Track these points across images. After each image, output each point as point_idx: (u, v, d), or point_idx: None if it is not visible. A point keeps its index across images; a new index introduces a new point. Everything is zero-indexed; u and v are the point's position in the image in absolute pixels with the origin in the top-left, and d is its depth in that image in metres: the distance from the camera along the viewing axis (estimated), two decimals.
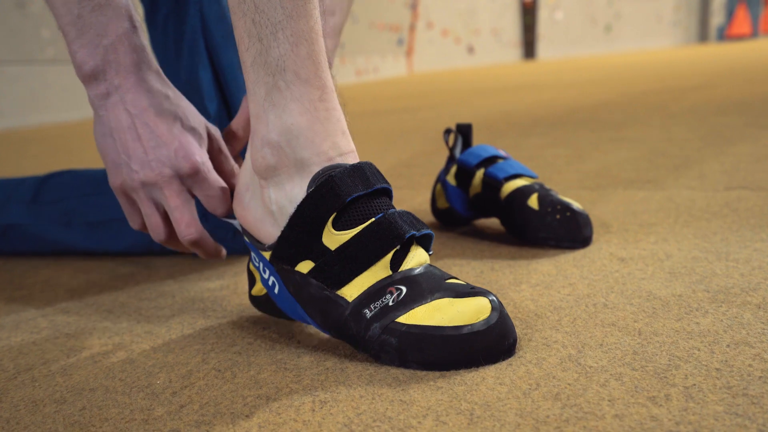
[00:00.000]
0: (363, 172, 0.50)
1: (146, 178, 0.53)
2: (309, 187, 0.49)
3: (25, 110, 3.75)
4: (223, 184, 0.57)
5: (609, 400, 0.40)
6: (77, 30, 0.51)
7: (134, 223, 0.58)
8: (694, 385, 0.41)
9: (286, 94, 0.48)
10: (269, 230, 0.52)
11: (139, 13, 0.57)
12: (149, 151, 0.53)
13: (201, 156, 0.55)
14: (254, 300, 0.57)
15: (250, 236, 0.54)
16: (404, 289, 0.47)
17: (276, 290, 0.52)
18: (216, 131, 0.61)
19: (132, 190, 0.55)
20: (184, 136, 0.55)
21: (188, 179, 0.55)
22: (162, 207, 0.57)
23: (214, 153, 0.60)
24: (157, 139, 0.53)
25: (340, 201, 0.48)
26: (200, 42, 0.77)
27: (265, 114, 0.48)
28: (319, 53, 0.48)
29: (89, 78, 0.53)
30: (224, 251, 0.61)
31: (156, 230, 0.57)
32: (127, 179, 0.54)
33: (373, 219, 0.49)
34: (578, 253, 0.69)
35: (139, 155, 0.53)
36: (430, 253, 0.52)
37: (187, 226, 0.55)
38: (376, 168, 0.52)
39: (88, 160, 1.96)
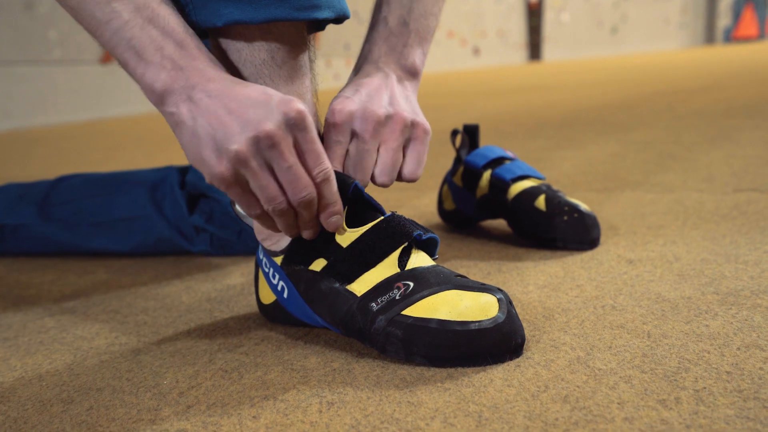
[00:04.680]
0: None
1: (252, 134, 0.45)
2: None
3: (32, 111, 3.76)
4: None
5: (618, 403, 0.40)
6: (135, 54, 0.46)
7: (253, 209, 0.49)
8: (705, 388, 0.40)
9: None
10: (277, 236, 0.53)
11: None
12: (246, 113, 0.46)
13: (303, 105, 0.47)
14: (263, 309, 0.57)
15: (261, 245, 0.55)
16: (411, 284, 0.48)
17: (285, 294, 0.52)
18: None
19: (242, 164, 0.46)
20: (278, 93, 0.47)
21: (294, 128, 0.47)
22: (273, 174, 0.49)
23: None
24: (251, 100, 0.46)
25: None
26: None
27: None
28: None
29: (164, 96, 0.47)
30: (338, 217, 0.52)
31: (277, 200, 0.48)
32: (232, 153, 0.45)
33: (382, 217, 0.50)
34: (586, 255, 0.69)
35: (237, 123, 0.46)
36: (435, 257, 0.53)
37: (305, 185, 0.48)
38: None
39: (95, 161, 1.96)
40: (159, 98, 0.47)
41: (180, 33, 0.46)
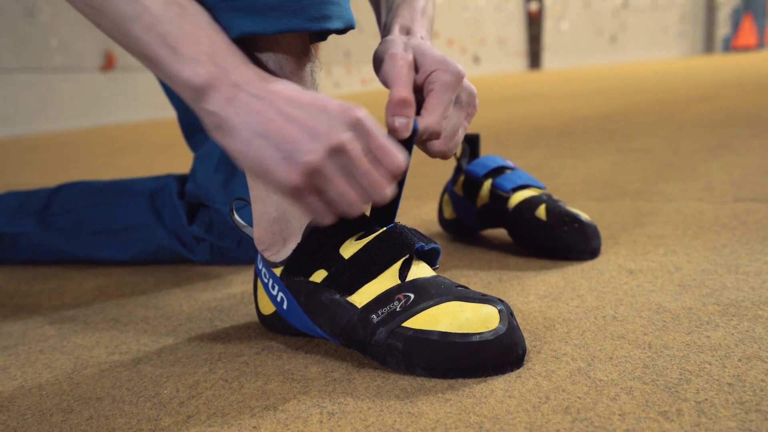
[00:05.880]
0: None
1: (326, 145, 0.45)
2: None
3: (32, 118, 3.77)
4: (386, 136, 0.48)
5: (620, 415, 0.39)
6: (170, 50, 0.44)
7: (327, 216, 0.48)
8: (706, 399, 0.40)
9: None
10: (278, 247, 0.53)
11: None
12: (310, 122, 0.44)
13: (360, 110, 0.46)
14: (263, 319, 0.57)
15: (261, 254, 0.55)
16: (412, 296, 0.47)
17: (285, 305, 0.52)
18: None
19: (317, 174, 0.45)
20: (329, 98, 0.47)
21: (360, 133, 0.46)
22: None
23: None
24: (309, 109, 0.45)
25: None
26: None
27: (268, 197, 0.51)
28: None
29: (204, 92, 0.45)
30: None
31: (355, 205, 0.47)
32: (306, 164, 0.44)
33: (385, 228, 0.50)
34: (586, 265, 0.69)
35: (303, 133, 0.44)
36: (436, 267, 0.53)
37: (384, 185, 0.46)
38: None
39: (95, 168, 1.96)
40: (198, 94, 0.45)
41: (212, 29, 0.45)
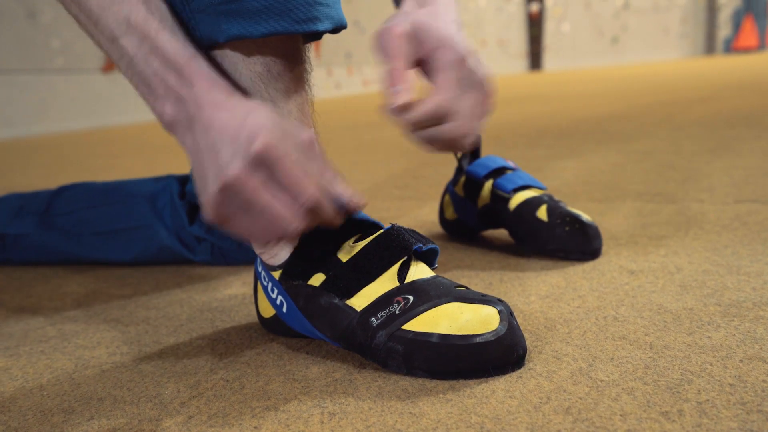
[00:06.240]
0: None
1: (222, 181, 0.44)
2: None
3: (34, 119, 3.77)
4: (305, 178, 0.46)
5: (621, 415, 0.39)
6: (146, 87, 0.47)
7: (269, 234, 0.46)
8: (708, 400, 0.40)
9: None
10: (276, 250, 0.53)
11: None
12: (219, 153, 0.44)
13: (270, 136, 0.44)
14: (263, 322, 0.57)
15: (259, 258, 0.55)
16: (411, 298, 0.47)
17: (284, 309, 0.52)
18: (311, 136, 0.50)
19: (242, 188, 0.44)
20: (256, 118, 0.45)
21: (262, 165, 0.44)
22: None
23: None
24: (225, 135, 0.44)
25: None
26: None
27: None
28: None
29: (172, 126, 0.47)
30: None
31: (262, 236, 0.47)
32: (207, 198, 0.45)
33: (382, 230, 0.50)
34: (588, 265, 0.69)
35: (211, 168, 0.45)
36: (435, 267, 0.53)
37: (287, 220, 0.45)
38: None
39: (96, 169, 1.97)
40: (169, 129, 0.47)
41: (180, 58, 0.46)
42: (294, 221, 0.45)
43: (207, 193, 0.44)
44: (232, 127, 0.44)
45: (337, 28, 0.51)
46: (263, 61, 0.49)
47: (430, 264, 0.53)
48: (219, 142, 0.44)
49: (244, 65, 0.49)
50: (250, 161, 0.43)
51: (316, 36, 0.51)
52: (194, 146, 0.45)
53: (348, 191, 0.47)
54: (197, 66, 0.46)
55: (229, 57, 0.48)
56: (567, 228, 0.71)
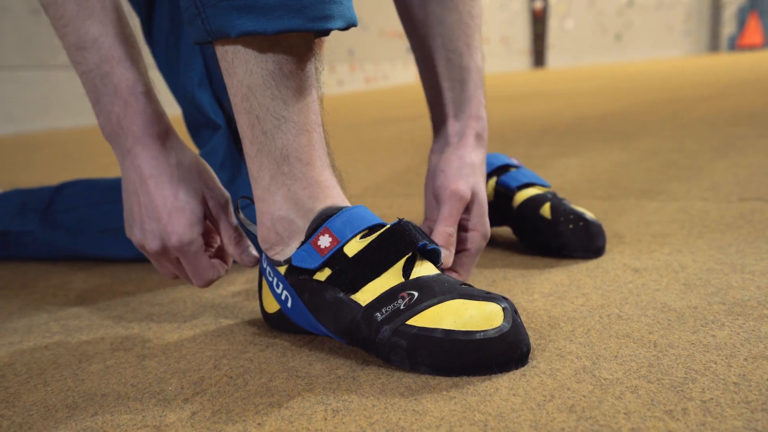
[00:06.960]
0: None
1: (147, 247, 0.57)
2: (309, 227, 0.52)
3: (37, 115, 3.78)
4: (210, 264, 0.59)
5: (625, 413, 0.39)
6: (94, 97, 0.56)
7: (166, 275, 0.61)
8: (712, 399, 0.40)
9: (290, 176, 0.51)
10: (282, 246, 0.53)
11: (135, 24, 0.59)
12: (145, 221, 0.56)
13: (190, 233, 0.56)
14: (267, 318, 0.57)
15: (265, 254, 0.55)
16: (416, 294, 0.47)
17: (289, 304, 0.52)
18: (225, 198, 0.60)
19: (159, 257, 0.59)
20: (178, 211, 0.56)
21: (176, 251, 0.57)
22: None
23: (216, 221, 0.61)
24: (152, 210, 0.56)
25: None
26: (198, 61, 0.77)
27: (272, 196, 0.52)
28: (317, 141, 0.52)
29: (110, 141, 0.57)
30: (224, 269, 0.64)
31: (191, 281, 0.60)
32: (137, 241, 0.58)
33: (388, 225, 0.50)
34: (591, 263, 0.69)
35: (140, 223, 0.57)
36: (440, 264, 0.53)
37: (198, 280, 0.59)
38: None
39: (99, 165, 1.97)
40: (107, 140, 0.57)
41: (129, 94, 0.55)
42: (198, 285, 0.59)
43: (133, 233, 0.58)
44: (159, 208, 0.56)
45: (349, 26, 0.51)
46: (275, 59, 0.48)
47: (435, 262, 0.53)
48: (148, 210, 0.56)
49: (256, 62, 0.48)
50: (166, 247, 0.56)
51: (325, 33, 0.51)
52: (124, 175, 0.57)
53: (241, 253, 0.60)
54: (144, 102, 0.56)
55: (241, 53, 0.48)
56: (571, 226, 0.70)
